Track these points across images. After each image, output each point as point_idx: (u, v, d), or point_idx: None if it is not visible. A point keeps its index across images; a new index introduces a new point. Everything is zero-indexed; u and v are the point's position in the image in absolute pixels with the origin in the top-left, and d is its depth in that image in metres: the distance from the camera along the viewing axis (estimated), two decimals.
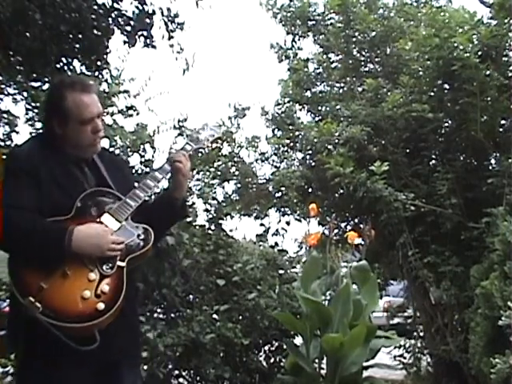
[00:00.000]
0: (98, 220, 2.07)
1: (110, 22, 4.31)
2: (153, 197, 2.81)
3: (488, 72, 5.76)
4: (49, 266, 1.94)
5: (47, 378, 2.00)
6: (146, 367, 4.40)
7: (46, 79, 4.84)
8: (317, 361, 4.34)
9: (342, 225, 7.16)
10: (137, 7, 4.40)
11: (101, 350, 1.98)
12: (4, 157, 2.19)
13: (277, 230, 5.87)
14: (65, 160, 2.13)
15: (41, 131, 4.85)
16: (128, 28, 4.36)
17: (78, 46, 4.37)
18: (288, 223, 6.20)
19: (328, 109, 6.87)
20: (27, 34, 4.12)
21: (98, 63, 4.61)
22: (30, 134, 5.33)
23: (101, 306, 1.94)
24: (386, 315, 7.55)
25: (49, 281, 1.92)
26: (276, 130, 7.31)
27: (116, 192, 2.15)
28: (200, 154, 6.21)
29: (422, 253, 5.88)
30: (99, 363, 2.04)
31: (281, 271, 5.59)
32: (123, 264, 2.03)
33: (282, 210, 6.95)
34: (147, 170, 4.97)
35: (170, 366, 4.67)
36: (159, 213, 2.23)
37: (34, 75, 4.75)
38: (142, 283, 4.59)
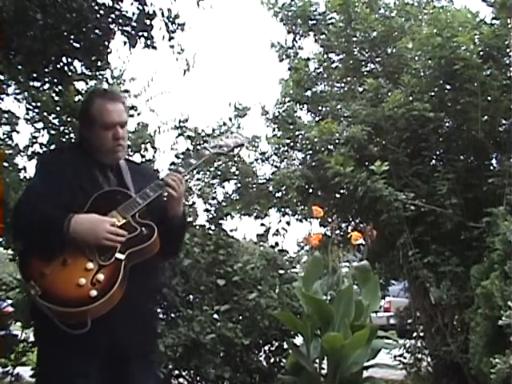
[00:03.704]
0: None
1: (111, 22, 4.31)
2: None
3: (489, 72, 5.76)
4: (50, 251, 2.06)
5: (55, 367, 2.10)
6: None
7: (47, 79, 4.84)
8: (317, 361, 4.34)
9: (343, 225, 7.16)
10: (137, 8, 4.39)
11: (109, 344, 2.10)
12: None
13: (277, 230, 5.87)
14: (90, 164, 2.27)
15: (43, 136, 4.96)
16: (128, 29, 4.36)
17: (78, 46, 4.37)
18: (288, 223, 6.20)
19: (328, 108, 6.86)
20: (28, 33, 4.11)
21: (99, 63, 4.61)
22: (31, 133, 5.34)
23: (93, 292, 2.02)
24: (388, 316, 7.56)
25: (50, 267, 2.04)
26: (276, 129, 7.31)
27: (131, 193, 2.25)
28: None
29: (422, 253, 5.88)
30: (108, 357, 2.12)
31: (281, 271, 5.59)
32: (122, 257, 2.10)
33: (283, 210, 6.95)
34: None
35: (171, 366, 4.67)
36: (162, 227, 2.24)
37: (35, 75, 4.75)
38: None
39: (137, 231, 2.15)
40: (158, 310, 4.93)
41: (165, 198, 2.31)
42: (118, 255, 2.09)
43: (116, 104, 2.28)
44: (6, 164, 4.96)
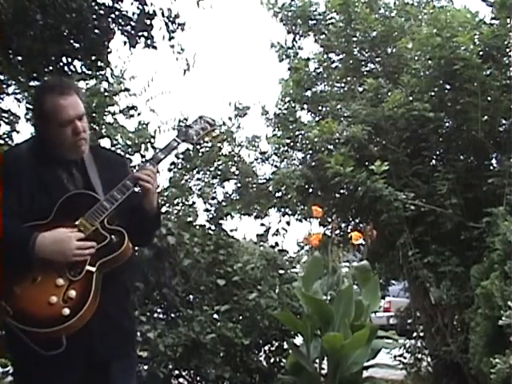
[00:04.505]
0: (72, 224, 2.07)
1: (111, 22, 4.31)
2: None
3: (489, 72, 5.76)
4: (19, 271, 1.98)
5: (35, 379, 2.05)
6: (146, 367, 4.41)
7: (47, 79, 4.84)
8: (317, 361, 4.35)
9: (343, 225, 7.15)
10: (137, 8, 4.40)
11: (86, 352, 2.04)
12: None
13: (277, 230, 5.87)
14: (53, 162, 2.16)
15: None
16: (128, 29, 4.36)
17: (78, 46, 4.37)
18: (288, 223, 6.20)
19: (328, 108, 6.86)
20: (28, 33, 4.11)
21: (99, 63, 4.60)
22: (31, 133, 5.34)
23: (66, 311, 1.96)
24: (388, 316, 7.55)
25: (20, 286, 1.97)
26: (276, 129, 7.31)
27: (96, 195, 2.14)
28: (200, 154, 6.21)
29: (422, 253, 5.87)
30: (86, 365, 2.07)
31: (281, 271, 5.59)
32: (93, 269, 2.03)
33: (283, 209, 6.96)
34: None
35: (171, 366, 4.67)
36: (135, 221, 2.19)
37: (35, 75, 4.75)
38: (142, 283, 4.60)
39: (106, 240, 2.07)
40: (159, 310, 4.94)
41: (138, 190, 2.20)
42: (89, 268, 2.02)
43: (69, 97, 2.13)
44: None
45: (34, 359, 1.97)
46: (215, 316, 4.89)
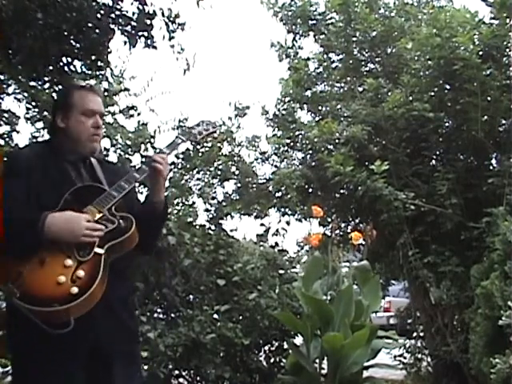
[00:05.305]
0: (80, 211, 2.10)
1: (111, 22, 4.31)
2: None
3: (489, 72, 5.76)
4: (26, 252, 2.00)
5: (37, 370, 2.05)
6: (146, 367, 4.41)
7: (47, 79, 4.84)
8: (317, 361, 4.35)
9: (343, 225, 7.16)
10: (137, 8, 4.39)
11: (89, 344, 2.06)
12: (5, 159, 2.28)
13: (277, 230, 5.87)
14: (62, 160, 2.23)
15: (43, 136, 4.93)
16: (128, 28, 4.36)
17: (78, 45, 4.37)
18: (288, 223, 6.20)
19: (328, 108, 6.87)
20: (28, 33, 4.11)
21: (99, 63, 4.60)
22: (31, 133, 5.34)
23: (74, 289, 1.97)
24: (388, 316, 7.55)
25: (27, 267, 1.98)
26: (276, 129, 7.31)
27: (106, 187, 2.21)
28: (200, 154, 6.21)
29: (422, 253, 5.88)
30: (91, 358, 2.08)
31: (281, 271, 5.59)
32: (101, 251, 2.06)
33: (282, 209, 6.95)
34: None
35: (171, 366, 4.67)
36: (143, 219, 2.21)
37: (35, 75, 4.74)
38: (142, 283, 4.60)
39: (114, 224, 2.12)
40: (159, 310, 4.94)
41: (145, 192, 2.30)
42: (97, 250, 2.06)
43: (96, 95, 2.31)
44: None
45: (37, 347, 1.98)
46: (215, 316, 4.89)
